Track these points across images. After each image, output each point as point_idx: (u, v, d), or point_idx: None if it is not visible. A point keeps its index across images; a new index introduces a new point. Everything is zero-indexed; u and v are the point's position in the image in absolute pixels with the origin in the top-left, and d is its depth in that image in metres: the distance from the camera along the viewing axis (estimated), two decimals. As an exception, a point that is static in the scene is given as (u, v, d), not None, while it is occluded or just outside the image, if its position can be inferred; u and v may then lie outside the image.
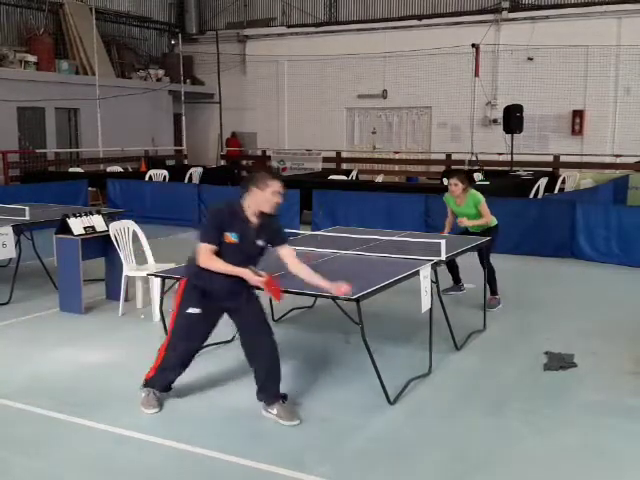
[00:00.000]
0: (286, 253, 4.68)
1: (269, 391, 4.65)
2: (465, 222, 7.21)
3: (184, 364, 4.77)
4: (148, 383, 4.77)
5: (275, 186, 4.43)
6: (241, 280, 4.45)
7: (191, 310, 4.55)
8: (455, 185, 7.25)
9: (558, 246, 10.03)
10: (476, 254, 7.08)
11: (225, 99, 21.96)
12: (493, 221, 7.37)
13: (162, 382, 4.77)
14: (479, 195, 7.30)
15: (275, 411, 4.57)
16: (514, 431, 4.47)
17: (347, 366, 5.58)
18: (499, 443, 4.30)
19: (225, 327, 6.47)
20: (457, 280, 7.77)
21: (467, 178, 7.41)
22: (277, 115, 22.65)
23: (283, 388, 4.69)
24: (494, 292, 7.34)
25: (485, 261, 7.11)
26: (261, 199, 4.45)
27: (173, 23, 24.38)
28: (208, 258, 4.41)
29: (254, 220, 4.51)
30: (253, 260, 4.57)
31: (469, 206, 7.27)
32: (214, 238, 4.42)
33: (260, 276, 4.41)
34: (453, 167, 17.75)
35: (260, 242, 4.57)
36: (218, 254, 4.44)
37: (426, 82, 19.72)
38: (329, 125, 21.57)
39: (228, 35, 22.84)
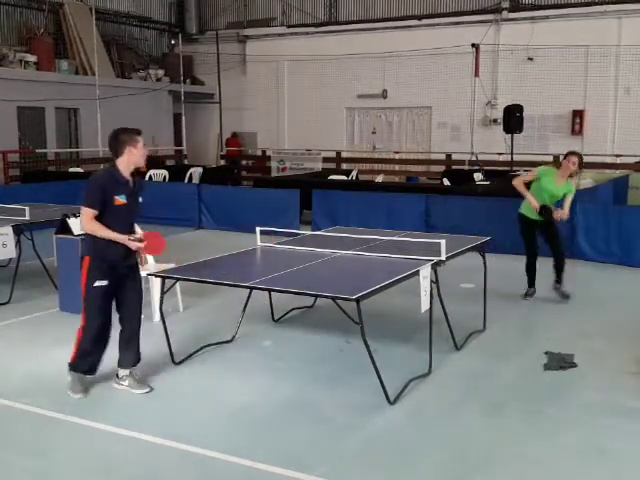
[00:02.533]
0: None
1: (125, 359, 5.04)
2: (565, 214, 7.25)
3: (103, 341, 5.00)
4: (72, 367, 4.99)
5: (141, 139, 4.85)
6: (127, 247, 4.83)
7: (98, 283, 4.82)
8: (575, 164, 7.31)
9: (558, 246, 10.02)
10: (472, 253, 7.05)
11: (225, 99, 21.96)
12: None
13: (85, 365, 4.99)
14: (574, 187, 7.46)
15: (126, 382, 5.00)
16: (514, 431, 4.47)
17: (347, 366, 5.58)
18: (499, 443, 4.30)
19: (225, 327, 6.49)
20: (532, 283, 7.75)
21: (583, 163, 7.45)
22: (277, 115, 22.65)
23: (283, 387, 4.68)
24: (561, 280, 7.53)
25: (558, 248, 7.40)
26: (137, 155, 4.83)
27: (173, 23, 24.38)
28: (90, 221, 4.74)
29: (131, 180, 4.91)
30: (136, 217, 5.03)
31: (564, 190, 7.34)
32: (97, 202, 4.73)
33: (139, 240, 4.83)
34: (453, 167, 17.78)
35: (140, 199, 5.01)
36: (110, 219, 4.77)
37: (426, 82, 19.71)
38: (329, 125, 21.56)
39: (228, 35, 22.83)
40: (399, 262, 5.63)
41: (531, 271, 7.69)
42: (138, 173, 4.99)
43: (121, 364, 5.08)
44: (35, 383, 5.23)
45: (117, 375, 5.10)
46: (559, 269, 7.58)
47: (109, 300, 4.95)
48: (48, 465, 4.05)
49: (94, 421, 4.54)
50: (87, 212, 4.74)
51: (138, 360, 5.12)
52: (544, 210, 7.25)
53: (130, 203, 4.85)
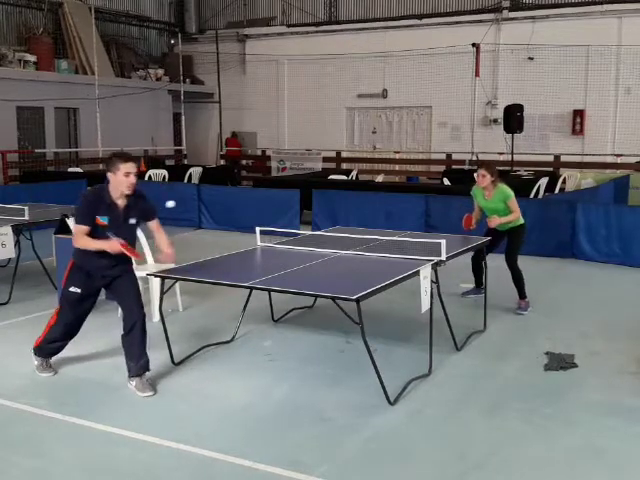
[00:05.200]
0: (154, 227, 5.29)
1: (132, 362, 5.05)
2: (496, 221, 6.94)
3: (70, 335, 5.31)
4: (37, 351, 5.34)
5: (125, 168, 4.87)
6: (111, 257, 4.96)
7: (72, 289, 5.10)
8: (483, 176, 6.99)
9: (559, 246, 10.02)
10: (472, 253, 7.05)
11: (225, 99, 21.96)
12: (520, 219, 7.16)
13: (48, 351, 5.34)
14: (509, 190, 7.02)
15: (134, 383, 5.00)
16: (514, 431, 4.46)
17: (347, 366, 5.57)
18: (499, 443, 4.29)
19: (225, 327, 6.48)
20: (479, 283, 7.51)
21: (497, 171, 7.12)
22: (277, 115, 22.64)
23: (283, 387, 4.67)
24: (523, 296, 7.18)
25: (511, 262, 7.05)
26: (116, 182, 4.91)
27: (173, 22, 24.38)
28: (80, 237, 4.93)
29: (121, 202, 4.99)
30: (128, 238, 5.03)
31: (497, 201, 7.03)
32: (86, 220, 4.91)
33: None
34: (453, 167, 17.77)
35: (132, 220, 5.09)
36: (98, 236, 4.93)
37: (426, 82, 19.70)
38: (329, 125, 21.56)
39: (228, 34, 22.83)
40: (399, 262, 5.62)
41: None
42: (137, 196, 5.09)
43: (128, 371, 5.08)
44: (35, 383, 5.22)
45: (129, 373, 5.09)
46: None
47: (81, 306, 5.18)
48: (47, 465, 4.04)
49: (93, 421, 4.53)
50: (77, 228, 4.95)
51: (142, 369, 5.05)
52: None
53: (114, 225, 4.94)
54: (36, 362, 5.37)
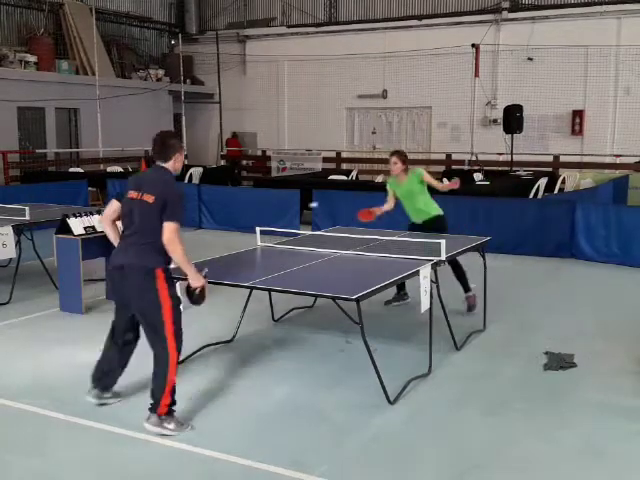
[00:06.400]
0: None
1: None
2: (450, 185, 7.11)
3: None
4: (167, 417, 4.39)
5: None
6: None
7: (180, 296, 4.60)
8: (395, 163, 7.12)
9: (558, 246, 10.03)
10: (472, 253, 7.04)
11: (225, 99, 21.96)
12: (437, 209, 7.23)
13: (174, 403, 4.45)
14: (419, 169, 7.24)
15: (171, 425, 4.36)
16: (514, 431, 4.47)
17: (347, 366, 5.58)
18: (499, 443, 4.30)
19: (225, 327, 6.49)
20: (466, 288, 7.18)
21: (407, 158, 7.24)
22: (277, 115, 22.64)
23: (283, 387, 4.68)
24: (469, 289, 7.10)
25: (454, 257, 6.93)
26: (181, 161, 4.62)
27: (173, 23, 24.37)
28: (180, 240, 4.34)
29: None
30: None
31: (412, 182, 7.12)
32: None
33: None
34: (453, 167, 17.77)
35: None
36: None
37: (426, 82, 19.69)
38: (329, 125, 21.55)
39: (228, 35, 22.83)
40: (399, 262, 5.63)
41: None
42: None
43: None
44: (35, 383, 5.23)
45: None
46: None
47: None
48: (48, 465, 4.05)
49: (95, 421, 4.53)
50: (178, 228, 4.35)
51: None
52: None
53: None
54: (171, 425, 4.37)
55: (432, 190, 7.28)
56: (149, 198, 4.35)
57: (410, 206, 7.24)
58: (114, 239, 4.73)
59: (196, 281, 4.49)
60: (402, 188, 7.20)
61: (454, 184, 7.13)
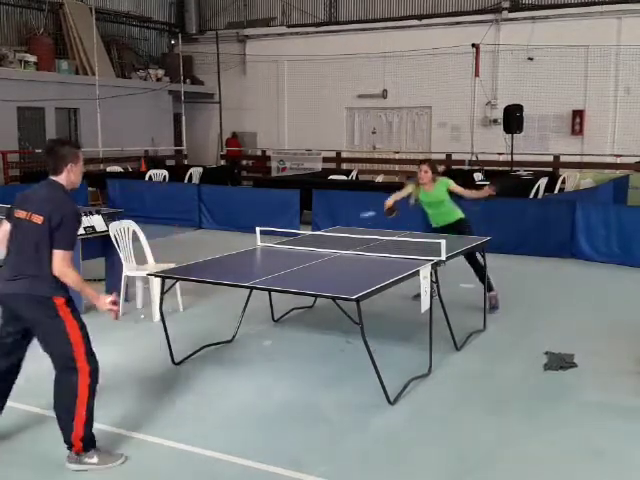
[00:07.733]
0: None
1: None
2: (488, 190, 7.22)
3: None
4: (86, 447, 3.95)
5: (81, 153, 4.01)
6: None
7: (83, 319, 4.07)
8: (425, 172, 7.14)
9: (558, 246, 10.03)
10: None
11: (225, 99, 21.95)
12: (459, 213, 7.30)
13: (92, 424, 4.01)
14: (445, 178, 7.30)
15: (94, 459, 3.94)
16: (514, 431, 4.47)
17: (347, 366, 5.58)
18: (499, 443, 4.30)
19: (225, 327, 6.48)
20: (489, 287, 7.20)
21: (436, 168, 7.33)
22: (277, 115, 22.63)
23: (283, 387, 4.67)
24: (492, 288, 7.20)
25: (474, 258, 7.05)
26: (79, 172, 4.00)
27: (173, 23, 24.36)
28: (72, 267, 3.83)
29: None
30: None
31: (440, 191, 7.16)
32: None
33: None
34: (453, 167, 17.77)
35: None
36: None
37: (426, 82, 19.69)
38: (329, 125, 21.54)
39: (228, 35, 22.82)
40: (399, 262, 5.63)
41: None
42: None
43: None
44: (35, 383, 5.22)
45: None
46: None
47: None
48: (49, 465, 4.05)
49: (94, 421, 4.52)
50: (71, 256, 3.85)
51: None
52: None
53: None
54: (94, 459, 3.95)
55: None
56: (37, 219, 3.78)
57: (434, 212, 7.30)
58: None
59: (101, 305, 3.95)
60: (429, 196, 7.23)
61: (487, 192, 7.29)
